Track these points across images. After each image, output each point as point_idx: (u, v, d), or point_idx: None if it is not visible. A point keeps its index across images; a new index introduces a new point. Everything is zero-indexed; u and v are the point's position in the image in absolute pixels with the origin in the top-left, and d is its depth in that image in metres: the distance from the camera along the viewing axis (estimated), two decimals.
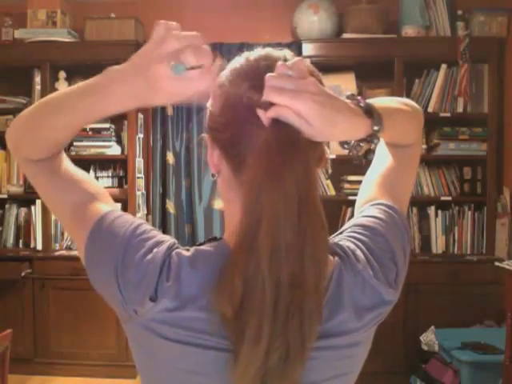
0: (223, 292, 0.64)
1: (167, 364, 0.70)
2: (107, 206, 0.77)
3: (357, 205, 0.87)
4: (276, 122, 0.65)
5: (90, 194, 0.78)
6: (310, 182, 0.66)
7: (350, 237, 0.77)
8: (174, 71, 0.61)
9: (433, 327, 3.19)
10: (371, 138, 0.73)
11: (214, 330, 0.66)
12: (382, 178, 0.87)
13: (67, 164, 0.82)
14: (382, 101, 0.78)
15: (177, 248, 0.71)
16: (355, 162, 0.78)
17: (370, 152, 0.76)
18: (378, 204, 0.82)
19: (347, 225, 0.81)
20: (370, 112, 0.71)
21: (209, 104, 0.77)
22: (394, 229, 0.79)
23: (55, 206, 0.81)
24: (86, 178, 0.82)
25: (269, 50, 0.75)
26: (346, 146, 0.75)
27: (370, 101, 0.74)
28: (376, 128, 0.72)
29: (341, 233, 0.80)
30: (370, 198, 0.84)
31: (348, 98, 0.71)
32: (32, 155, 0.78)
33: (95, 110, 0.71)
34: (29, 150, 0.78)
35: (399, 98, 0.86)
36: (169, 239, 0.72)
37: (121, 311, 0.71)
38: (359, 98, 0.72)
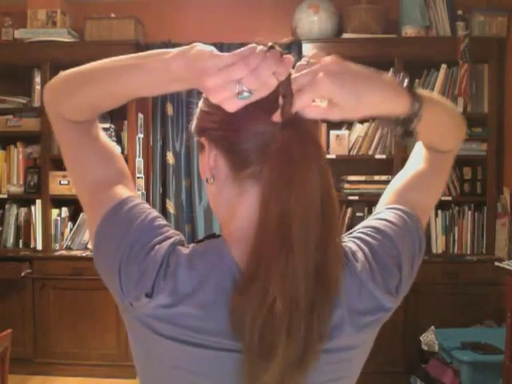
0: (261, 286, 0.64)
1: (161, 360, 0.71)
2: (128, 191, 0.77)
3: (378, 205, 0.86)
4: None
5: (117, 173, 0.78)
6: (329, 176, 0.68)
7: (355, 237, 0.77)
8: (240, 98, 0.61)
9: (433, 327, 3.19)
10: (410, 118, 0.71)
11: (208, 327, 0.67)
12: (408, 184, 0.85)
13: (101, 132, 0.81)
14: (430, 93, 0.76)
15: (181, 245, 0.72)
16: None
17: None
18: (394, 208, 0.81)
19: (359, 225, 0.81)
20: (411, 90, 0.69)
21: (201, 105, 0.77)
22: (406, 235, 0.78)
23: (80, 175, 0.80)
24: (118, 152, 0.82)
25: None
26: (383, 123, 0.73)
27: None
28: (416, 106, 0.70)
29: (351, 233, 0.80)
30: (390, 202, 0.84)
31: (392, 72, 0.70)
32: (70, 116, 0.77)
33: (145, 88, 0.71)
34: (67, 110, 0.77)
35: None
36: (175, 236, 0.73)
37: (118, 301, 0.72)
38: (402, 75, 0.70)
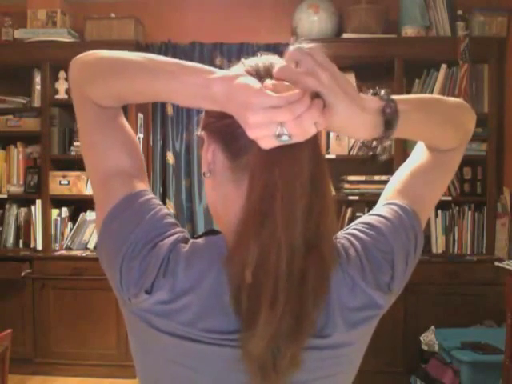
0: (239, 259, 0.65)
1: (158, 354, 0.71)
2: (144, 185, 0.77)
3: (378, 202, 0.86)
4: None
5: (136, 164, 0.78)
6: (320, 155, 0.69)
7: (349, 234, 0.77)
8: (279, 140, 0.62)
9: (433, 327, 3.19)
10: (373, 144, 0.70)
11: (204, 323, 0.68)
12: (408, 178, 0.84)
13: (123, 119, 0.80)
14: (414, 102, 0.74)
15: (184, 242, 0.72)
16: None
17: (376, 156, 0.72)
18: (391, 204, 0.81)
19: (355, 221, 0.81)
20: (390, 125, 0.67)
21: None
22: (400, 231, 0.77)
23: (96, 159, 0.78)
24: (136, 142, 0.81)
25: (265, 57, 0.77)
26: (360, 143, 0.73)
27: (401, 101, 0.69)
28: (381, 137, 0.69)
29: (346, 229, 0.80)
30: (389, 197, 0.83)
31: (375, 94, 0.68)
32: (95, 99, 0.75)
33: (175, 97, 0.70)
34: (92, 93, 0.75)
35: (442, 97, 0.82)
36: (179, 233, 0.73)
37: (117, 295, 0.73)
38: (385, 103, 0.67)
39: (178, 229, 0.74)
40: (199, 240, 0.73)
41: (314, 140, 0.69)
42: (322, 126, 0.63)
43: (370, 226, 0.78)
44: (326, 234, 0.69)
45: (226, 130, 0.73)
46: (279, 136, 0.61)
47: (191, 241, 0.73)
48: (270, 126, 0.61)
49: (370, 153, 0.71)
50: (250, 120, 0.61)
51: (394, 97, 0.69)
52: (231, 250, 0.68)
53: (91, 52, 0.76)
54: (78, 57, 0.77)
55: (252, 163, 0.68)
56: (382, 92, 0.69)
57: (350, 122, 0.66)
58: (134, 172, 0.77)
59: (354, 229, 0.78)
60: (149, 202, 0.74)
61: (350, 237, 0.76)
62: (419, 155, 0.86)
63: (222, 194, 0.76)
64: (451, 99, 0.82)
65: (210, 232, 0.76)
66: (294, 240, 0.65)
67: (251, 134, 0.62)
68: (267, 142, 0.63)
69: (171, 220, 0.74)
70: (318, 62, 0.64)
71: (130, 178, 0.76)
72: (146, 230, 0.71)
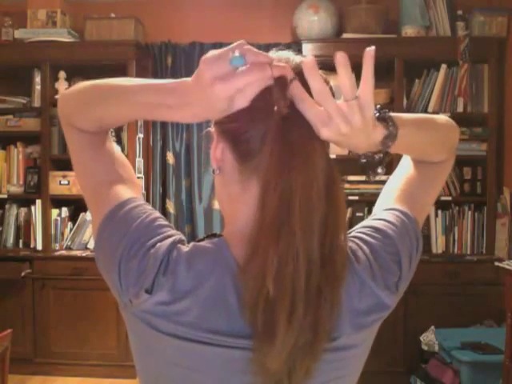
0: (256, 270, 0.64)
1: (159, 356, 0.71)
2: (131, 193, 0.78)
3: (374, 208, 0.87)
4: (291, 107, 0.67)
5: (122, 177, 0.80)
6: (332, 164, 0.69)
7: (354, 237, 0.77)
8: (233, 62, 0.62)
9: (433, 327, 3.19)
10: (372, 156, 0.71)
11: (206, 325, 0.67)
12: (404, 186, 0.86)
13: (111, 144, 0.84)
14: (408, 121, 0.75)
15: (182, 244, 0.72)
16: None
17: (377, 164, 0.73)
18: (393, 209, 0.82)
19: (357, 226, 0.82)
20: (387, 152, 0.70)
21: None
22: (404, 234, 0.79)
23: (85, 175, 0.82)
24: (126, 162, 0.85)
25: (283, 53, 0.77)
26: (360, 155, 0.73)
27: (396, 118, 0.71)
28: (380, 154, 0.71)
29: (349, 233, 0.80)
30: (389, 204, 0.84)
31: (379, 116, 0.69)
32: (81, 126, 0.79)
33: (155, 115, 0.73)
34: (79, 122, 0.79)
35: (433, 116, 0.84)
36: (176, 235, 0.73)
37: (117, 299, 0.73)
38: (388, 133, 0.69)
39: (173, 231, 0.74)
40: (201, 242, 0.73)
41: (325, 148, 0.69)
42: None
43: (376, 229, 0.78)
44: (341, 243, 0.68)
45: (235, 133, 0.73)
46: (234, 63, 0.62)
47: (192, 243, 0.73)
48: (222, 59, 0.63)
49: (363, 160, 0.72)
50: (207, 75, 0.62)
51: (394, 116, 0.70)
52: (247, 260, 0.66)
53: (76, 85, 0.81)
54: (62, 93, 0.83)
55: (265, 169, 0.67)
56: (390, 123, 0.69)
57: (354, 146, 0.69)
58: (122, 183, 0.79)
59: (359, 232, 0.78)
60: (138, 208, 0.75)
61: (356, 240, 0.76)
62: (410, 166, 0.88)
63: (228, 195, 0.77)
64: (440, 118, 0.85)
65: (211, 236, 0.76)
66: (312, 250, 0.65)
67: (219, 90, 0.62)
68: (241, 99, 0.63)
69: (163, 222, 0.75)
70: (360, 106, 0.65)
71: (119, 189, 0.78)
72: (137, 233, 0.72)
